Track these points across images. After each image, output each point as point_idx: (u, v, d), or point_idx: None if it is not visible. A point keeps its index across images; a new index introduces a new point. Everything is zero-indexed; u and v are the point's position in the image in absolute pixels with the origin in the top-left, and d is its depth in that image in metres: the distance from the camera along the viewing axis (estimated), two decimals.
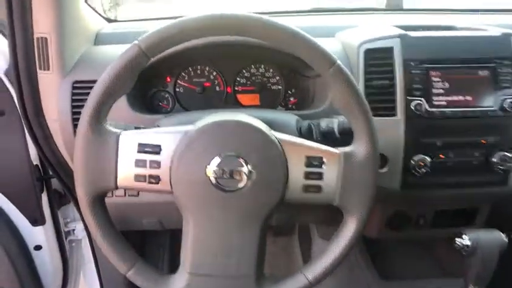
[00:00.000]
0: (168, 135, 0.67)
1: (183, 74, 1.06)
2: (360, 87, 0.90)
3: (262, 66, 1.06)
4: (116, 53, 0.99)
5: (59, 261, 1.34)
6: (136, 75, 0.66)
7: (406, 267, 1.43)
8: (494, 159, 0.90)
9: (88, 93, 0.95)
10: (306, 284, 0.69)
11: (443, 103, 0.89)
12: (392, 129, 0.88)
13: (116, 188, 0.67)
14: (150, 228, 1.08)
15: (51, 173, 1.22)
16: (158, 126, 0.84)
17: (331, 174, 0.67)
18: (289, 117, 0.84)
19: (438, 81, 0.89)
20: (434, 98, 0.89)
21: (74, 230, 1.38)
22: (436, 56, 0.90)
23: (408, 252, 1.46)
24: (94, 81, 0.96)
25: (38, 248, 1.28)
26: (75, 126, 0.93)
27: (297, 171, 0.67)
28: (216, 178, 0.65)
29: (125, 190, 0.95)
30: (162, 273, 0.71)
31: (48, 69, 0.93)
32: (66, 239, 1.36)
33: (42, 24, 0.90)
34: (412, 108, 0.87)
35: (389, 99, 0.89)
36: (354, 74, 0.89)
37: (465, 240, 0.88)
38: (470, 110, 0.90)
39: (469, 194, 0.98)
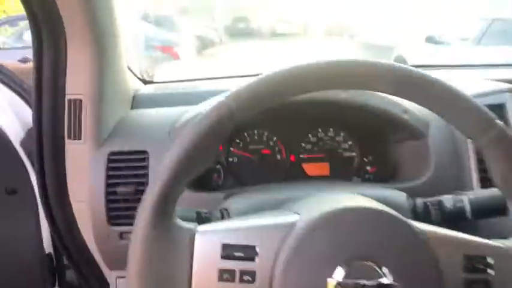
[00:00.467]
0: (265, 232, 0.47)
1: (237, 140, 0.88)
2: None
3: (331, 129, 0.89)
4: (159, 118, 0.83)
5: None
6: (219, 144, 0.47)
7: None
8: None
9: (127, 168, 0.78)
10: None
11: None
12: None
13: None
14: None
15: (66, 263, 1.00)
16: (226, 210, 0.64)
17: (502, 284, 0.46)
18: (398, 195, 0.65)
19: None
20: None
21: None
22: None
23: None
24: (134, 152, 0.79)
25: None
26: (109, 210, 0.74)
27: (453, 278, 0.46)
28: None
29: None
30: None
31: (80, 137, 0.75)
32: None
33: (77, 84, 0.73)
34: None
35: None
36: None
37: None
38: None
39: None
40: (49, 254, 1.01)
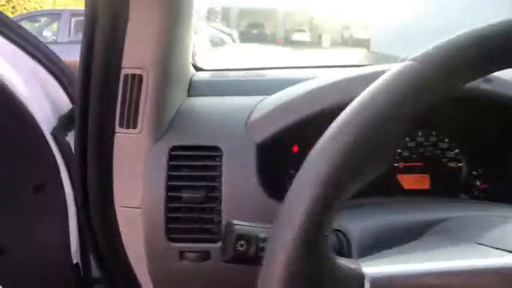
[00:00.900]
0: (477, 277, 0.31)
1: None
2: None
3: (434, 132, 0.73)
4: (229, 108, 0.67)
5: None
6: (410, 127, 0.31)
7: None
8: None
9: (194, 168, 0.60)
10: None
11: None
12: None
13: None
14: None
15: (95, 276, 0.85)
16: (344, 234, 0.47)
17: None
18: None
19: None
20: None
21: None
22: None
23: None
24: (204, 149, 0.61)
25: None
26: (169, 221, 0.58)
27: None
28: None
29: None
30: None
31: (135, 126, 0.60)
32: None
33: (138, 55, 0.58)
34: None
35: None
36: None
37: None
38: None
39: None
40: (76, 265, 0.85)
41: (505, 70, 0.31)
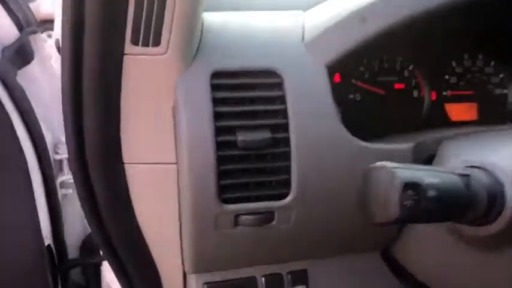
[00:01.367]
0: None
1: (361, 69, 0.60)
2: None
3: (480, 56, 0.64)
4: (262, 24, 0.49)
5: None
6: None
7: None
8: None
9: (248, 100, 0.44)
10: None
11: None
12: None
13: None
14: None
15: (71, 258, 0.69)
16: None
17: None
18: None
19: None
20: None
21: None
22: None
23: None
24: (258, 74, 0.45)
25: None
26: (222, 174, 0.43)
27: None
28: None
29: None
30: None
31: (158, 42, 0.41)
32: None
33: None
34: None
35: None
36: None
37: None
38: None
39: None
40: (48, 247, 0.66)
41: None
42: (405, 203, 0.31)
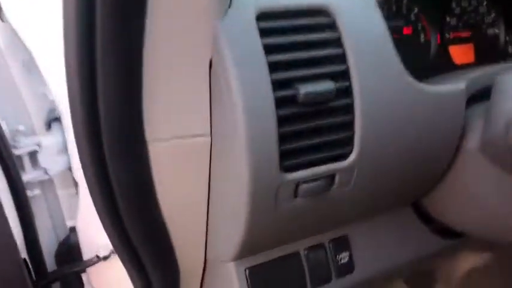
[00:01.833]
0: None
1: None
2: None
3: None
4: None
5: None
6: None
7: None
8: None
9: (303, 45, 0.37)
10: None
11: None
12: None
13: None
14: None
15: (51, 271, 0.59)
16: None
17: None
18: None
19: None
20: None
21: None
22: None
23: None
24: (307, 13, 0.38)
25: None
26: (284, 138, 0.36)
27: None
28: None
29: None
30: None
31: None
32: None
33: None
34: None
35: None
36: None
37: None
38: None
39: None
40: (24, 261, 0.53)
41: None
42: None
